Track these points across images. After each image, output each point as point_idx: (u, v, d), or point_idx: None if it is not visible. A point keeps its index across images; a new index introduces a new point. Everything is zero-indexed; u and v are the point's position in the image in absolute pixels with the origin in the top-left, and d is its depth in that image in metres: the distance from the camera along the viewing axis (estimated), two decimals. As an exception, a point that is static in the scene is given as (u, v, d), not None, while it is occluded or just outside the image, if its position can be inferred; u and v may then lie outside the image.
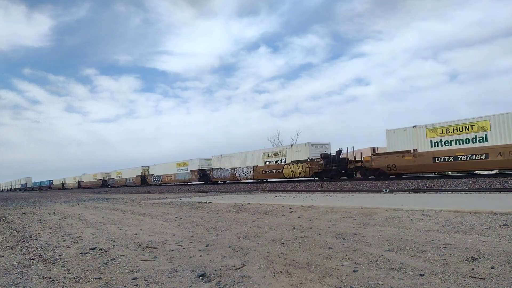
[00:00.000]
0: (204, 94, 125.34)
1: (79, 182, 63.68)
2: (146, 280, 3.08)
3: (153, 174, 43.38)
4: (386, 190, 14.08)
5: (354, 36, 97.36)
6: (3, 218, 9.68)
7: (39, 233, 6.32)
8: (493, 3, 75.57)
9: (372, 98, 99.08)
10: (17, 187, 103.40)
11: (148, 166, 45.40)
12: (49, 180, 79.29)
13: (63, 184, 72.31)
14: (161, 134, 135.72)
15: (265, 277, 3.05)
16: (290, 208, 7.92)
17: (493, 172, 18.85)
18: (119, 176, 51.77)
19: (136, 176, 46.51)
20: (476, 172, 18.80)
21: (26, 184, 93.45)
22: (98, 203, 14.66)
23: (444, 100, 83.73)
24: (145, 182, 44.88)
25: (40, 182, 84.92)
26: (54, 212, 10.95)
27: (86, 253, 4.36)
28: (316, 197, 11.18)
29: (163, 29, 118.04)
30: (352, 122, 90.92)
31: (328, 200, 9.73)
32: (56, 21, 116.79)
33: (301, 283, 2.83)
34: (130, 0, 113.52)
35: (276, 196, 13.02)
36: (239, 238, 4.88)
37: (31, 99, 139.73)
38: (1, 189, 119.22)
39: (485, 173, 18.93)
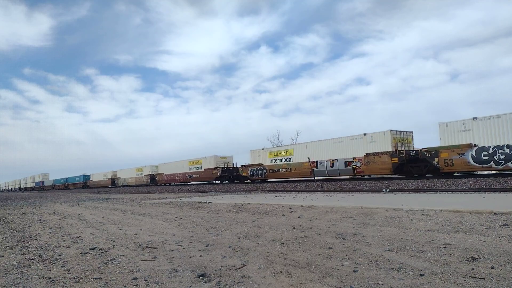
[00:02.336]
0: (204, 94, 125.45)
1: (152, 176, 41.82)
2: (146, 280, 3.07)
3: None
4: (386, 190, 14.08)
5: (355, 36, 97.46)
6: (3, 218, 9.68)
7: (39, 233, 6.32)
8: (494, 3, 75.62)
9: (373, 98, 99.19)
10: (29, 185, 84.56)
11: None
12: (84, 175, 59.92)
13: (113, 179, 50.48)
14: (161, 134, 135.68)
15: (265, 277, 3.05)
16: (290, 208, 7.92)
17: (493, 172, 18.89)
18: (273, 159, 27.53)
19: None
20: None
21: (43, 182, 76.21)
22: (98, 203, 14.66)
23: (445, 100, 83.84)
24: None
25: (67, 178, 66.81)
26: (54, 212, 10.94)
27: (86, 253, 4.36)
28: (316, 197, 11.18)
29: (164, 29, 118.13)
30: (353, 122, 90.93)
31: (328, 200, 9.73)
32: (56, 21, 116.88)
33: (301, 283, 2.83)
34: (130, 0, 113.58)
35: (276, 196, 13.02)
36: (239, 238, 4.88)
37: (31, 99, 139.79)
38: (7, 188, 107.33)
39: (485, 173, 18.96)
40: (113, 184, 50.70)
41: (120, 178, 49.78)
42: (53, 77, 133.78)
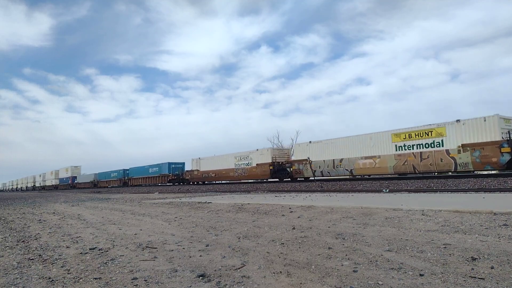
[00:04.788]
0: (204, 94, 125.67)
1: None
2: (145, 280, 3.07)
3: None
4: (386, 190, 14.07)
5: (355, 36, 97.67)
6: (3, 218, 9.67)
7: (38, 233, 6.32)
8: (494, 3, 75.74)
9: (373, 98, 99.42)
10: (49, 183, 66.48)
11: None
12: (172, 164, 39.11)
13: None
14: (161, 134, 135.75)
15: (265, 277, 3.05)
16: (290, 208, 7.92)
17: (493, 172, 18.90)
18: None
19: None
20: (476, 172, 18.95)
21: (73, 178, 57.18)
22: (97, 203, 14.66)
23: (445, 100, 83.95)
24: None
25: (126, 170, 46.04)
26: (54, 212, 10.94)
27: (86, 253, 4.36)
28: (315, 197, 11.18)
29: (164, 29, 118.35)
30: (353, 122, 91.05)
31: (327, 200, 9.73)
32: (56, 21, 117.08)
33: (301, 283, 2.83)
34: None
35: (276, 196, 13.02)
36: (239, 238, 4.88)
37: (31, 99, 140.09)
38: (16, 187, 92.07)
39: (485, 173, 18.97)
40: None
41: (295, 163, 24.70)
42: (53, 77, 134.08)
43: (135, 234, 5.65)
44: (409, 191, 13.09)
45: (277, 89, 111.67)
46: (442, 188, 13.48)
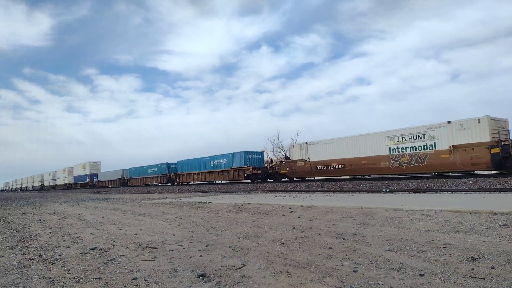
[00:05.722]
0: (204, 94, 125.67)
1: None
2: (146, 280, 3.07)
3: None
4: (386, 190, 14.06)
5: (355, 36, 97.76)
6: (3, 218, 9.68)
7: (39, 233, 6.32)
8: (494, 3, 75.80)
9: (373, 98, 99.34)
10: (60, 182, 58.94)
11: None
12: (254, 153, 30.65)
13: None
14: (161, 134, 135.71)
15: (265, 277, 3.05)
16: (290, 208, 7.91)
17: (493, 172, 18.92)
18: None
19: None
20: (476, 172, 18.93)
21: (93, 175, 49.34)
22: (98, 203, 14.66)
23: (446, 100, 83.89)
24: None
25: (170, 165, 37.27)
26: (54, 212, 10.94)
27: (86, 253, 4.36)
28: (316, 197, 11.17)
29: (164, 28, 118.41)
30: (353, 122, 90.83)
31: (328, 200, 9.72)
32: (56, 20, 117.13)
33: (301, 283, 2.83)
34: None
35: (276, 196, 13.02)
36: (239, 238, 4.88)
37: (31, 99, 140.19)
38: (20, 187, 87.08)
39: (485, 173, 18.98)
40: None
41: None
42: (53, 77, 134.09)
43: (135, 234, 5.65)
44: (409, 191, 13.08)
45: (277, 89, 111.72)
46: (442, 188, 13.47)
